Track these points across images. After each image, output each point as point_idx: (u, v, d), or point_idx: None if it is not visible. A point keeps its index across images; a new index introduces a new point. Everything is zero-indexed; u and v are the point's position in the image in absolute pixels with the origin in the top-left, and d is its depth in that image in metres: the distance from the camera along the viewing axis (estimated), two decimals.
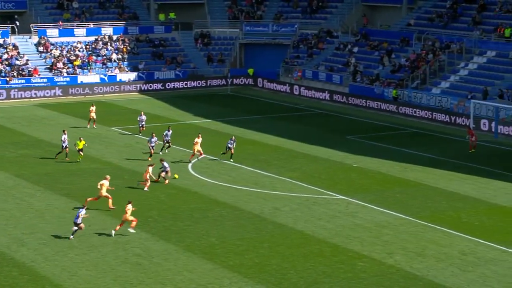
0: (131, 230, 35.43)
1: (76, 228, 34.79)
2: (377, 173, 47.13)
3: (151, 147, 48.95)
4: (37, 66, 75.30)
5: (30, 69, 74.43)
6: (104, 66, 77.91)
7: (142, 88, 76.33)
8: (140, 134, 56.28)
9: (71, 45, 78.82)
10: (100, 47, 79.66)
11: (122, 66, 78.22)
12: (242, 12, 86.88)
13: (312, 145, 54.09)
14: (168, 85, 77.48)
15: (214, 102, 71.95)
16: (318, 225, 37.36)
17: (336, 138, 57.09)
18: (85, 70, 76.72)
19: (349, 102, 70.40)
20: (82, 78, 75.45)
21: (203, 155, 48.84)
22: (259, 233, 36.24)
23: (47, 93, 72.62)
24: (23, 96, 71.81)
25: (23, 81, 73.14)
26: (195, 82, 78.66)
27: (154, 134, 49.40)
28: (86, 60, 77.64)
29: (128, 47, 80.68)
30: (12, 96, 71.32)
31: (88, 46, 79.58)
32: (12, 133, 57.86)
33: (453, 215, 39.32)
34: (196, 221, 37.88)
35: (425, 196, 42.49)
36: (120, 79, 76.64)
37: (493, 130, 58.11)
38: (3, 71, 73.41)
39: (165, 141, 50.82)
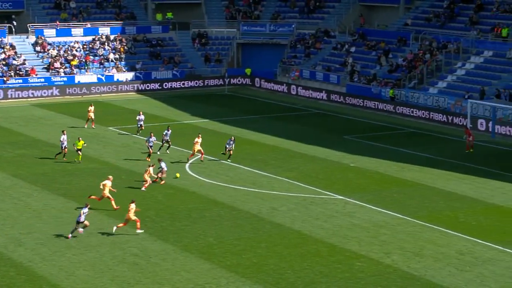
0: (138, 231, 35.48)
1: (77, 227, 34.83)
2: (375, 173, 47.16)
3: (149, 147, 48.93)
4: (35, 66, 75.24)
5: (27, 69, 74.38)
6: (101, 66, 77.87)
7: (140, 88, 76.30)
8: (138, 133, 56.27)
9: (69, 45, 78.78)
10: (98, 47, 79.63)
11: (119, 66, 78.19)
12: (240, 12, 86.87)
13: (309, 145, 54.10)
14: (166, 85, 77.46)
15: (212, 102, 71.95)
16: (315, 225, 37.38)
17: (334, 138, 57.11)
18: (83, 70, 76.67)
19: (346, 102, 70.43)
20: (80, 78, 75.42)
21: (203, 156, 48.58)
22: (256, 233, 36.26)
23: (45, 93, 72.58)
24: (20, 96, 71.76)
25: (20, 81, 73.08)
26: (193, 82, 78.64)
27: (152, 134, 49.40)
28: (84, 60, 77.60)
29: (125, 47, 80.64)
30: (9, 96, 71.27)
31: (85, 46, 79.55)
32: (9, 133, 57.82)
33: (451, 215, 39.36)
34: (193, 221, 37.89)
35: (422, 196, 42.52)
36: (118, 79, 76.60)
37: (490, 130, 58.15)
38: (0, 71, 73.35)
39: (164, 141, 50.78)
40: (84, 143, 48.88)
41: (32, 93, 72.15)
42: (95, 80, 75.74)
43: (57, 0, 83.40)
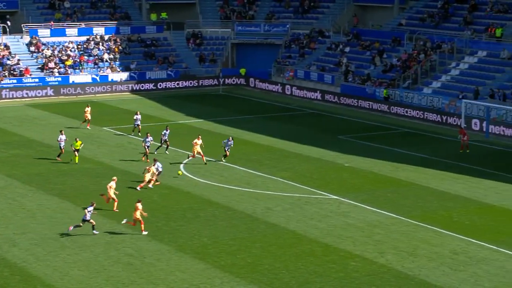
0: (144, 233, 35.49)
1: (81, 225, 34.97)
2: (369, 173, 47.22)
3: (146, 147, 48.86)
4: (29, 66, 75.15)
5: (21, 69, 74.29)
6: (95, 66, 77.82)
7: (134, 88, 76.27)
8: (133, 132, 56.29)
9: (63, 45, 78.69)
10: (92, 47, 79.57)
11: (113, 66, 78.14)
12: (234, 12, 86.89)
13: (304, 145, 54.15)
14: (160, 85, 77.44)
15: (206, 102, 71.95)
16: (310, 224, 37.43)
17: (328, 138, 57.17)
18: (77, 70, 76.61)
19: (340, 102, 70.50)
20: (74, 78, 75.34)
21: (204, 157, 48.33)
22: (251, 233, 36.29)
23: (39, 93, 72.50)
24: (14, 96, 71.66)
25: (14, 81, 72.97)
26: (187, 82, 78.65)
27: (149, 134, 49.36)
28: (78, 60, 77.53)
29: (119, 47, 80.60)
30: (3, 96, 71.16)
31: (79, 46, 79.48)
32: (4, 133, 57.73)
33: (445, 214, 39.44)
34: (188, 221, 37.91)
35: (416, 195, 42.60)
36: (112, 79, 76.54)
37: (484, 129, 58.28)
38: None
39: (162, 141, 50.73)
40: (82, 143, 48.84)
41: (27, 93, 72.07)
42: (90, 80, 75.68)
43: (51, 0, 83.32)
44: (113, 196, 39.07)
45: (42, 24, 79.75)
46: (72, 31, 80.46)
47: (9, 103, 70.00)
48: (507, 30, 69.96)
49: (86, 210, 35.25)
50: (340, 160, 50.20)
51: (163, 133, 50.76)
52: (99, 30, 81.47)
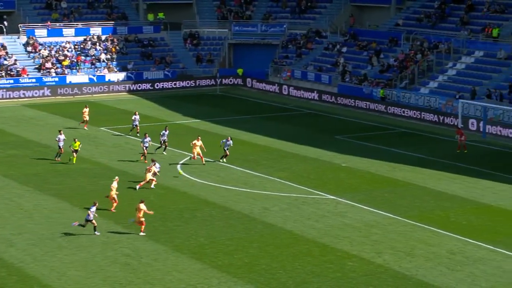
0: (141, 234, 35.48)
1: (84, 225, 34.95)
2: (366, 173, 47.25)
3: (144, 148, 48.82)
4: (26, 66, 75.10)
5: (18, 69, 74.22)
6: (92, 66, 77.78)
7: (131, 88, 76.24)
8: (131, 133, 56.27)
9: (60, 45, 78.66)
10: (89, 47, 79.54)
11: (111, 66, 78.11)
12: (231, 12, 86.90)
13: (301, 145, 54.17)
14: (157, 85, 77.42)
15: (203, 102, 71.94)
16: (307, 224, 37.44)
17: (325, 138, 57.19)
18: (74, 70, 76.56)
19: (338, 102, 70.53)
20: (71, 78, 75.30)
21: (203, 159, 48.32)
22: (248, 233, 36.30)
23: (36, 93, 72.46)
24: (11, 96, 71.61)
25: (11, 81, 72.92)
26: (184, 82, 78.63)
27: (147, 135, 49.34)
28: (75, 60, 77.49)
29: (117, 47, 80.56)
30: (0, 96, 71.11)
31: (76, 46, 79.43)
32: (0, 133, 57.67)
33: (442, 214, 39.47)
34: (185, 221, 37.90)
35: (413, 195, 42.63)
36: (109, 79, 76.52)
37: (481, 130, 58.33)
38: None
39: (161, 141, 50.70)
40: (80, 144, 48.80)
41: (23, 94, 72.03)
42: (87, 80, 75.65)
43: (48, 0, 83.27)
44: (114, 196, 39.05)
45: (39, 24, 79.70)
46: (69, 31, 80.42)
47: (6, 103, 69.93)
48: (503, 30, 70.04)
49: (89, 211, 35.19)
50: (337, 160, 50.22)
51: (161, 133, 50.74)
52: (96, 30, 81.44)
